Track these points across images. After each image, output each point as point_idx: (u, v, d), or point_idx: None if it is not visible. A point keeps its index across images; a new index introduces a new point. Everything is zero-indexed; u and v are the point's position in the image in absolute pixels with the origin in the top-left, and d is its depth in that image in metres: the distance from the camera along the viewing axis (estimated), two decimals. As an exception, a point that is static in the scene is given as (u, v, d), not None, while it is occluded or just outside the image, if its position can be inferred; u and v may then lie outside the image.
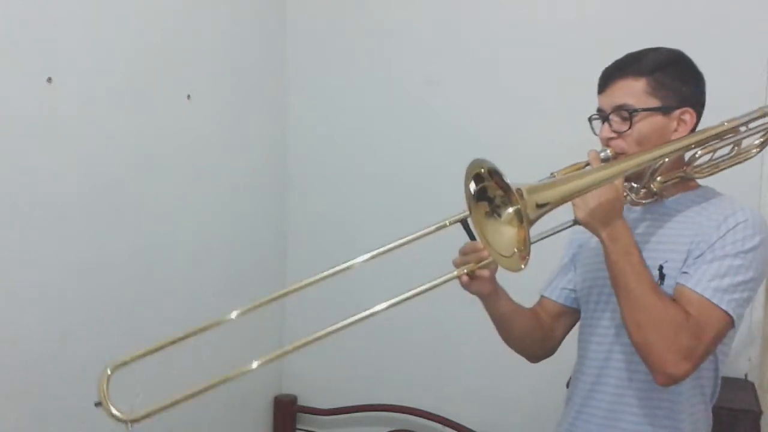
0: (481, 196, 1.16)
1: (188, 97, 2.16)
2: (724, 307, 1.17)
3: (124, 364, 1.22)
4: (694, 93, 1.28)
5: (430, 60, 2.45)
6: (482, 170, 1.13)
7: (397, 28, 2.50)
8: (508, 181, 1.08)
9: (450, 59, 2.42)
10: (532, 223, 1.08)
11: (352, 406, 2.58)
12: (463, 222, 1.26)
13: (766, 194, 2.02)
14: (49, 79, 1.69)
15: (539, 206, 1.09)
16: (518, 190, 1.07)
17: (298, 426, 2.71)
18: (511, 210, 1.11)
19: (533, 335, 1.44)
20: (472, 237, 1.25)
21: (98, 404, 1.20)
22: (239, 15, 2.40)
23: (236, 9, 2.39)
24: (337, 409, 2.60)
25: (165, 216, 2.10)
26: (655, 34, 2.02)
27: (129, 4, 1.92)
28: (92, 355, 1.86)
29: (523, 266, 1.09)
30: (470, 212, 1.18)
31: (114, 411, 1.14)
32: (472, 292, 1.30)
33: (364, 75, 2.56)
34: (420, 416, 2.51)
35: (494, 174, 1.11)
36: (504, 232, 1.14)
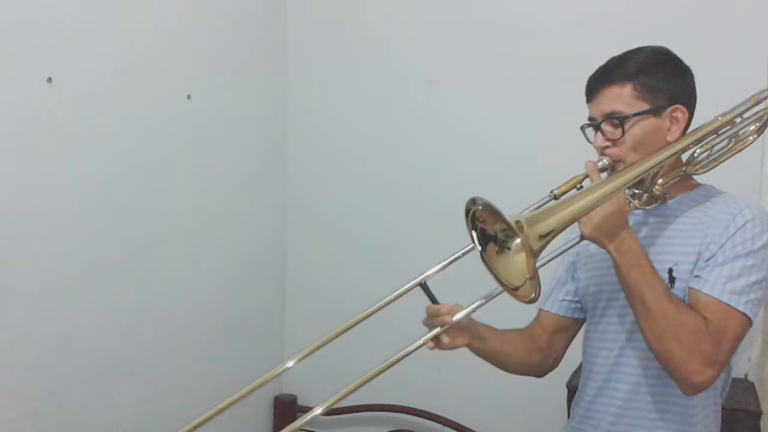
0: (485, 237, 1.13)
1: (188, 97, 2.16)
2: (741, 309, 1.16)
3: None
4: (683, 89, 1.27)
5: (430, 60, 2.45)
6: (478, 208, 1.10)
7: (397, 28, 2.50)
8: (505, 216, 1.06)
9: (450, 59, 2.42)
10: (536, 254, 1.07)
11: (352, 406, 2.58)
12: (422, 285, 1.24)
13: (766, 194, 2.02)
14: (49, 79, 1.69)
15: (542, 237, 1.07)
16: (518, 222, 1.05)
17: (298, 426, 2.71)
18: (518, 241, 1.08)
19: (530, 359, 1.42)
20: (432, 299, 1.24)
21: None
22: (239, 15, 2.40)
23: (236, 9, 2.39)
24: (337, 409, 2.59)
25: (165, 216, 2.10)
26: (655, 34, 2.02)
27: (129, 5, 1.92)
28: (92, 355, 1.86)
29: (533, 295, 1.07)
30: (482, 256, 1.14)
31: None
32: (451, 349, 1.28)
33: (363, 75, 2.56)
34: (420, 416, 2.51)
35: (489, 210, 1.09)
36: (515, 262, 1.11)
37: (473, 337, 1.31)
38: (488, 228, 1.12)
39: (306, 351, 1.28)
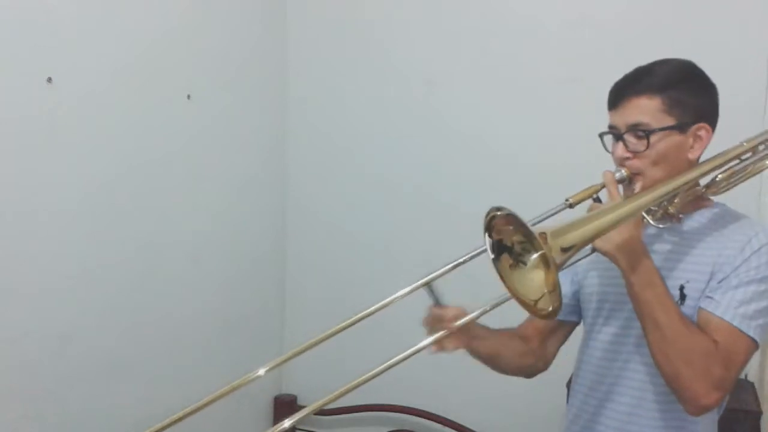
0: (499, 247, 1.10)
1: (188, 97, 2.16)
2: (751, 334, 1.16)
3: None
4: (708, 106, 1.25)
5: (429, 60, 2.45)
6: (497, 214, 1.07)
7: (397, 28, 2.50)
8: (530, 227, 1.03)
9: (450, 59, 2.42)
10: (559, 267, 1.04)
11: (352, 406, 2.58)
12: (427, 287, 1.23)
13: (766, 194, 2.02)
14: (49, 79, 1.69)
15: (564, 250, 1.04)
16: (542, 234, 1.02)
17: (298, 426, 2.71)
18: (535, 256, 1.06)
19: (523, 361, 1.42)
20: (437, 301, 1.23)
21: None
22: (239, 15, 2.40)
23: (236, 9, 2.39)
24: (337, 409, 2.59)
25: (165, 216, 2.10)
26: (655, 35, 2.03)
27: (129, 5, 1.92)
28: (92, 355, 1.87)
29: (550, 308, 1.05)
30: (494, 267, 1.13)
31: None
32: (450, 352, 1.27)
33: (363, 75, 2.56)
34: (420, 416, 2.51)
35: (512, 220, 1.06)
36: (532, 278, 1.08)
37: (472, 338, 1.30)
38: (505, 238, 1.09)
39: (280, 360, 1.25)
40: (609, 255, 1.17)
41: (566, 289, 1.43)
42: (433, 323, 1.24)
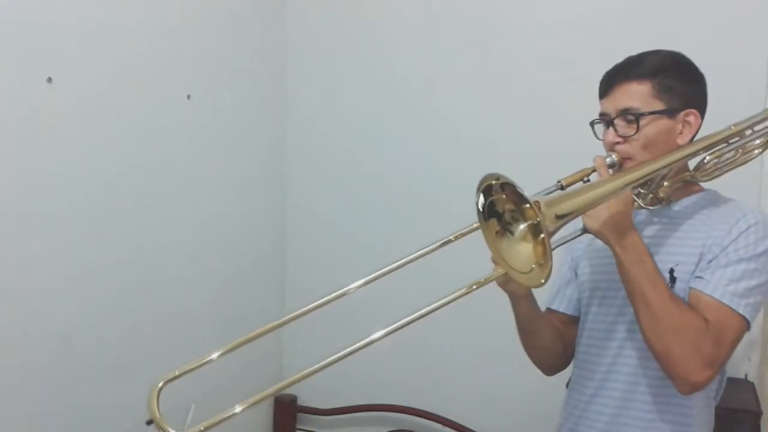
0: (490, 212, 1.12)
1: (188, 97, 2.16)
2: (741, 311, 1.17)
3: (175, 378, 1.16)
4: (697, 94, 1.28)
5: (429, 60, 2.45)
6: (493, 182, 1.09)
7: (396, 28, 2.50)
8: (525, 194, 1.05)
9: (450, 59, 2.41)
10: (551, 234, 1.06)
11: (352, 406, 2.58)
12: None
13: (766, 194, 2.02)
14: (49, 79, 1.69)
15: (558, 217, 1.06)
16: (536, 202, 1.04)
17: (298, 426, 2.71)
18: (524, 225, 1.08)
19: (556, 345, 1.43)
20: None
21: (150, 423, 1.10)
22: (239, 15, 2.40)
23: (236, 9, 2.39)
24: (337, 409, 2.60)
25: (165, 216, 2.10)
26: (655, 34, 2.02)
27: (129, 5, 1.92)
28: (92, 355, 1.87)
29: (543, 281, 1.06)
30: (482, 230, 1.14)
31: (170, 429, 1.08)
32: (507, 291, 1.29)
33: (363, 75, 2.56)
34: (420, 416, 2.51)
35: (508, 188, 1.08)
36: (520, 249, 1.10)
37: (529, 292, 1.31)
38: (497, 205, 1.11)
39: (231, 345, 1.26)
40: (599, 233, 1.19)
41: (574, 284, 1.45)
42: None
